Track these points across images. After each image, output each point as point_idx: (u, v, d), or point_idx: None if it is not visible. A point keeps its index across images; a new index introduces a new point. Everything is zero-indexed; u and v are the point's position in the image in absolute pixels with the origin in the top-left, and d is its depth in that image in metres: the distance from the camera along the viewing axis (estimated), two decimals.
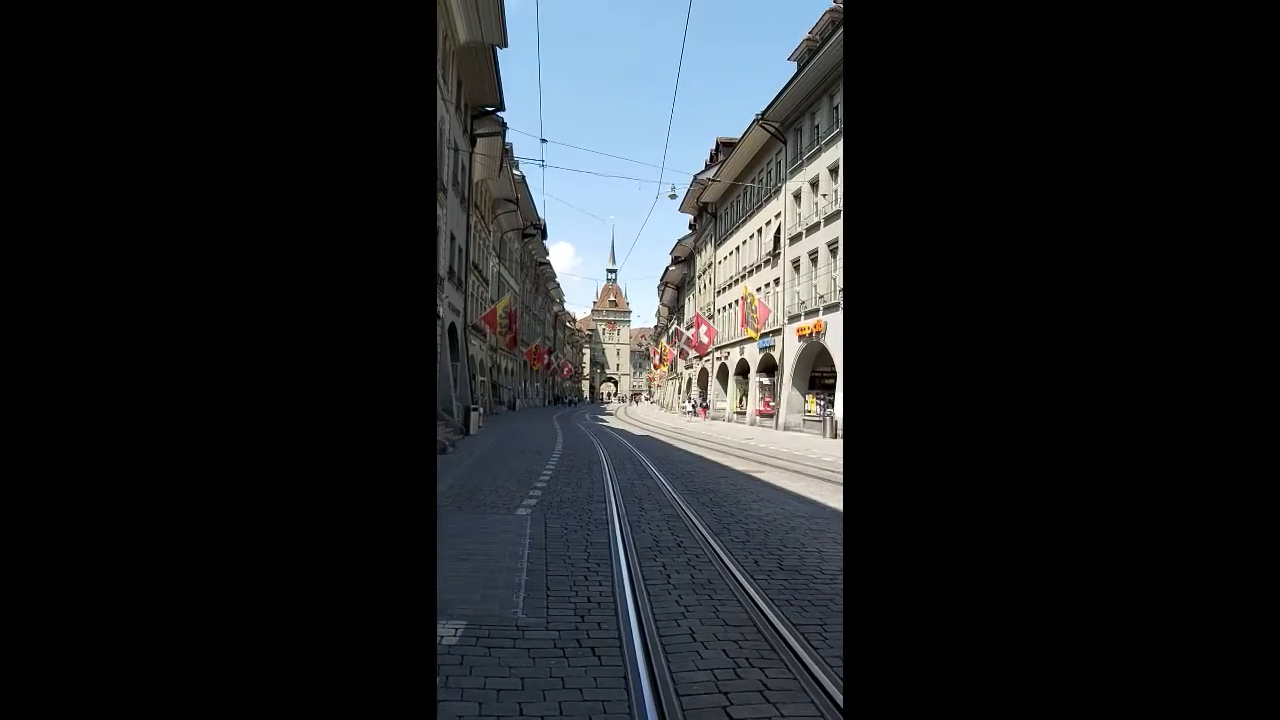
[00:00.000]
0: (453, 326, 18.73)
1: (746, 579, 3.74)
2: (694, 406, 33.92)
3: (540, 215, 37.39)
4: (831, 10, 20.29)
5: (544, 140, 27.55)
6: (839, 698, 2.22)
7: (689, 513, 5.82)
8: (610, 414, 37.27)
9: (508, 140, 23.40)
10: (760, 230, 25.66)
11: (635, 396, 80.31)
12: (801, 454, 12.21)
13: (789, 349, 21.48)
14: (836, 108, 19.03)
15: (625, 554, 4.27)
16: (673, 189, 28.10)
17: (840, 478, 8.40)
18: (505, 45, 17.63)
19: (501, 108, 20.81)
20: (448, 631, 2.83)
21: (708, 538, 4.82)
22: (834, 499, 6.80)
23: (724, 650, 2.72)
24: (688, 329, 34.00)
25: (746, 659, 2.63)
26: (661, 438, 16.67)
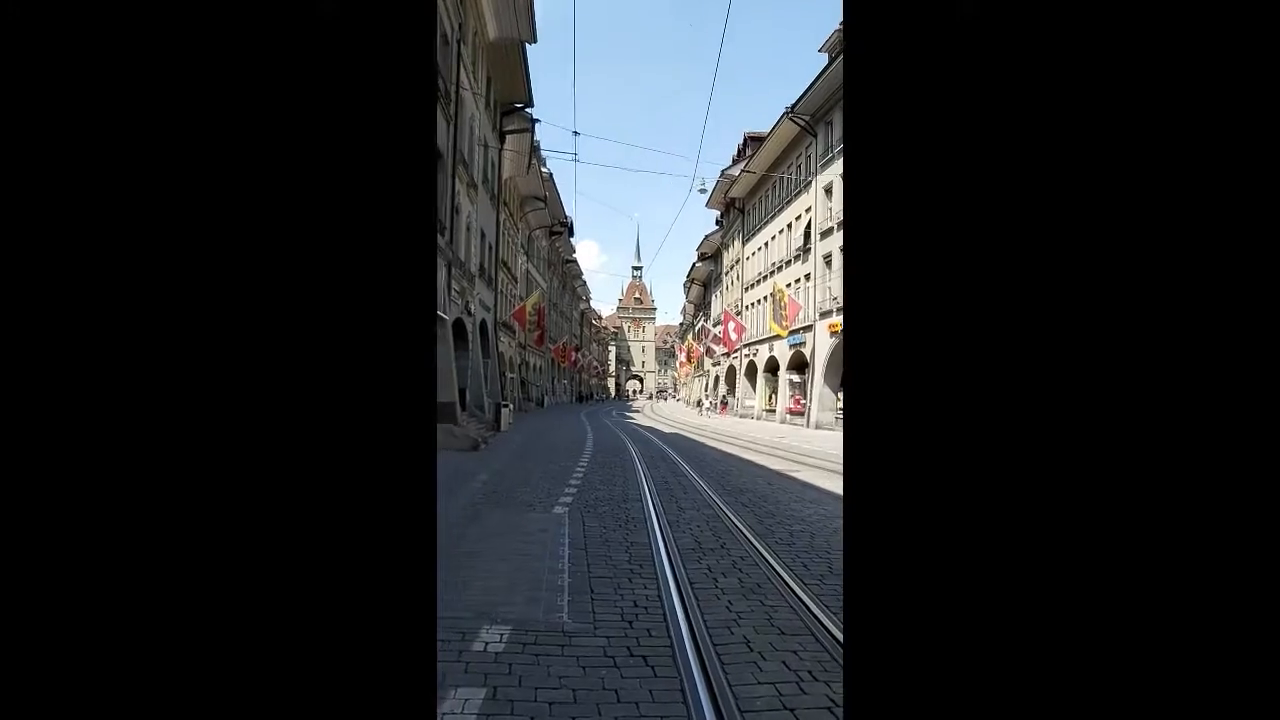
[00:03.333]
0: (484, 323, 18.78)
1: (797, 584, 3.58)
2: (711, 404, 34.67)
3: (569, 212, 37.42)
4: None
5: (576, 133, 27.24)
6: None
7: (728, 513, 5.66)
8: (636, 411, 37.20)
9: (537, 137, 23.36)
10: (790, 225, 25.30)
11: (661, 394, 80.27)
12: (836, 453, 11.94)
13: (820, 345, 21.14)
14: None
15: (668, 556, 4.14)
16: (702, 182, 27.89)
17: None
18: (534, 41, 17.58)
19: (530, 104, 20.79)
20: (493, 637, 2.72)
21: (751, 539, 4.66)
22: None
23: (784, 662, 2.57)
24: (715, 326, 33.75)
25: (809, 672, 2.48)
26: (691, 435, 16.50)
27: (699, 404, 38.11)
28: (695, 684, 2.32)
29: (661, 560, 4.04)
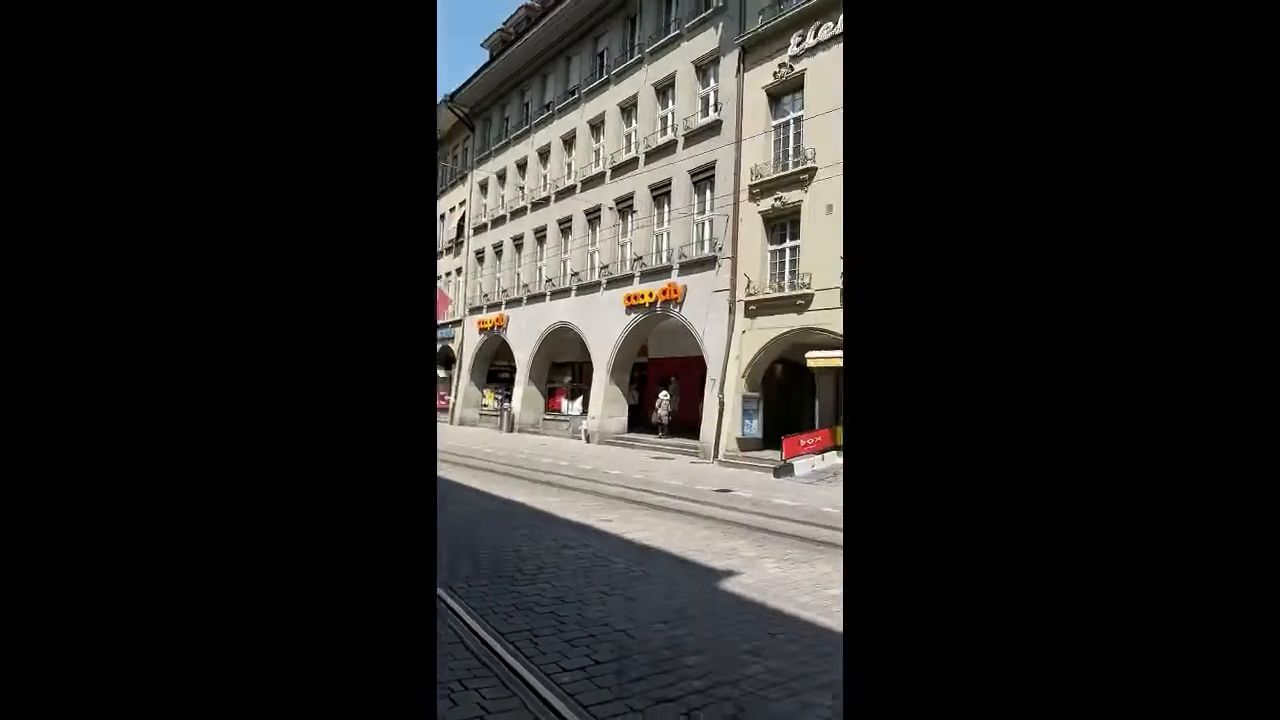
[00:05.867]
0: None
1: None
2: None
3: None
4: (527, 7, 20.46)
5: None
6: None
7: None
8: None
9: None
10: (443, 216, 24.64)
11: None
12: (478, 448, 11.93)
13: (469, 341, 21.01)
14: (527, 104, 19.24)
15: None
16: None
17: (524, 473, 8.46)
18: None
19: None
20: None
21: None
22: (519, 494, 6.65)
23: None
24: None
25: None
26: None
27: None
28: None
29: None
